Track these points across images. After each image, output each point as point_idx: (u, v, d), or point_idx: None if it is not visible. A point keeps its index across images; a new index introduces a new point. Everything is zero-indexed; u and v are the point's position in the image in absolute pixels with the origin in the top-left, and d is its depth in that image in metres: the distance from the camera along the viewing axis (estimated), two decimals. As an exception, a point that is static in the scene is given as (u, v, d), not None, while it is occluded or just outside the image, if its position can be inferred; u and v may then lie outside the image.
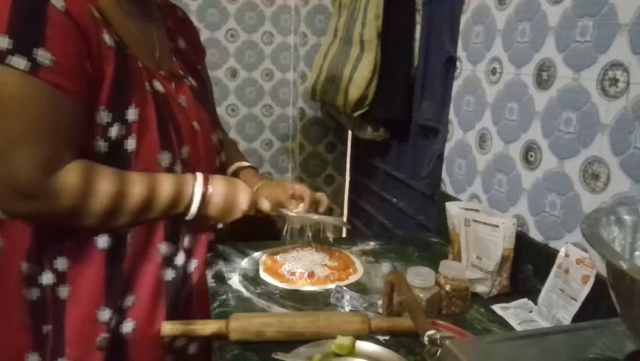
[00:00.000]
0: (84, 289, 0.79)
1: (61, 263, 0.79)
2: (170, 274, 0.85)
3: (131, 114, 0.77)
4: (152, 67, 0.85)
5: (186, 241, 0.87)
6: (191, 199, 0.84)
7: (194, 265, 0.89)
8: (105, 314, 0.80)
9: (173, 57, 0.94)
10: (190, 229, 0.88)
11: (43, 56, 0.67)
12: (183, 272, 0.87)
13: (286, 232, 1.01)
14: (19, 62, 0.66)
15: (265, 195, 0.97)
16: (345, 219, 2.08)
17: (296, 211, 1.00)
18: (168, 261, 0.85)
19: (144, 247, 0.82)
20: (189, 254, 0.89)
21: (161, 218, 0.83)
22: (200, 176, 0.86)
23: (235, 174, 1.09)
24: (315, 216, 1.01)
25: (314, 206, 1.04)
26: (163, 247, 0.84)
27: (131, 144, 0.78)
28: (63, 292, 0.79)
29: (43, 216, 0.75)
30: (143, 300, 0.83)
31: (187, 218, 0.85)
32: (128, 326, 0.82)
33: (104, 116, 0.75)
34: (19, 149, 0.70)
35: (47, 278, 0.79)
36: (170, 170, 0.83)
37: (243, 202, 0.88)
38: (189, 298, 0.89)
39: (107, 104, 0.75)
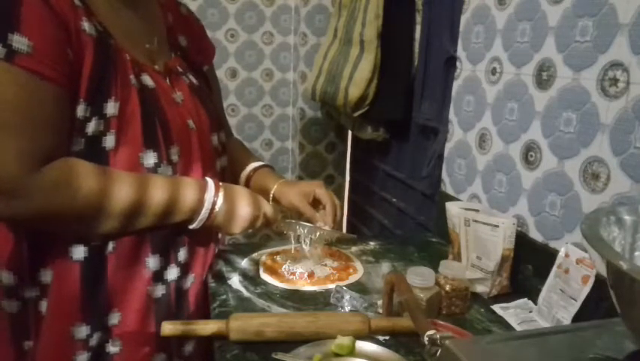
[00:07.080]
0: (59, 303, 0.75)
1: (44, 275, 0.74)
2: (159, 290, 0.80)
3: (110, 108, 0.72)
4: (144, 60, 0.80)
5: (181, 254, 0.83)
6: (201, 207, 0.80)
7: (190, 280, 0.85)
8: (82, 331, 0.75)
9: (172, 53, 0.90)
10: (185, 241, 0.83)
11: (19, 41, 0.63)
12: (176, 288, 0.83)
13: (293, 240, 0.98)
14: None
15: (282, 199, 0.91)
16: (345, 219, 2.09)
17: (307, 223, 0.96)
18: (158, 276, 0.80)
19: (129, 261, 0.78)
20: (185, 269, 0.84)
21: (175, 225, 0.80)
22: (211, 182, 0.82)
23: (249, 177, 1.04)
24: (327, 229, 0.96)
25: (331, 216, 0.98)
26: (151, 261, 0.79)
27: (109, 140, 0.73)
28: (44, 306, 0.75)
29: (31, 218, 0.69)
30: (130, 318, 0.78)
31: (191, 227, 0.81)
32: (115, 347, 0.78)
33: (81, 109, 0.70)
34: None
35: (30, 291, 0.75)
36: (154, 171, 0.77)
37: (244, 214, 0.83)
38: (188, 319, 0.84)
39: (85, 96, 0.70)
